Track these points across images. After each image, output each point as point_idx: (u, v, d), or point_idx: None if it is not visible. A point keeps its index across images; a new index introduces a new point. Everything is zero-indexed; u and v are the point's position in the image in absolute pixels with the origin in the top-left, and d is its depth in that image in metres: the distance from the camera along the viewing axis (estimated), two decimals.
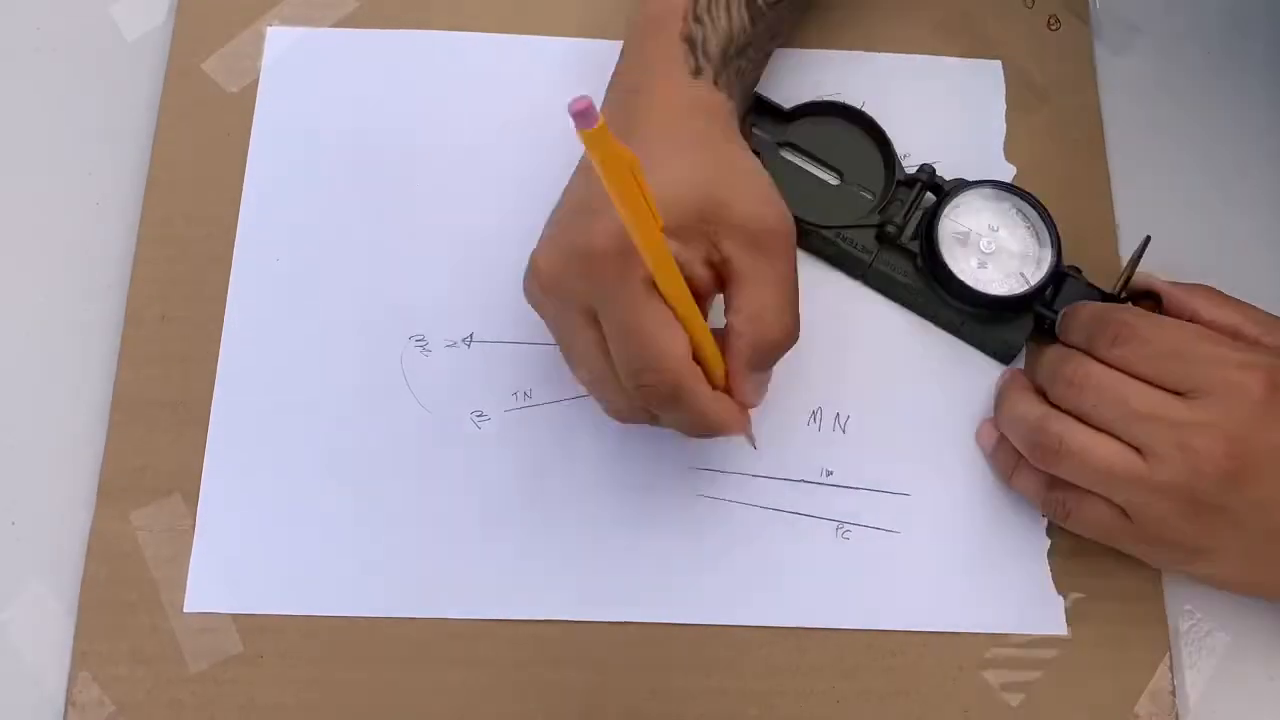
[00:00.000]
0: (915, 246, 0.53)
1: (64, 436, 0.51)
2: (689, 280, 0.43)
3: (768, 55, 0.54)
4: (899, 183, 0.53)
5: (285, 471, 0.50)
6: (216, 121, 0.55)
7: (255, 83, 0.56)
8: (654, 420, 0.45)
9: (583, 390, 0.49)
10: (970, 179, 0.53)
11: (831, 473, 0.51)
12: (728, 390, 0.46)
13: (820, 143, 0.54)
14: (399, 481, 0.50)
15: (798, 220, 0.51)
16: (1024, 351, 0.53)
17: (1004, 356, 0.53)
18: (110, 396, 0.51)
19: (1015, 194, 0.53)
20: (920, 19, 0.59)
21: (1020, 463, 0.49)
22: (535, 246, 0.46)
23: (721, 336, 0.45)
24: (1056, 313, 0.51)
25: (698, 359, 0.44)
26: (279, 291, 0.53)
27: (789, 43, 0.57)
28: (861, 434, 0.52)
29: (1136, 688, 0.49)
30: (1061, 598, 0.50)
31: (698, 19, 0.49)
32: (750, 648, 0.49)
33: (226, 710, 0.47)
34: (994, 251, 0.52)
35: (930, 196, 0.53)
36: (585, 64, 0.56)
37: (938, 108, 0.57)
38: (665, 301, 0.42)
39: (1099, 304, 0.50)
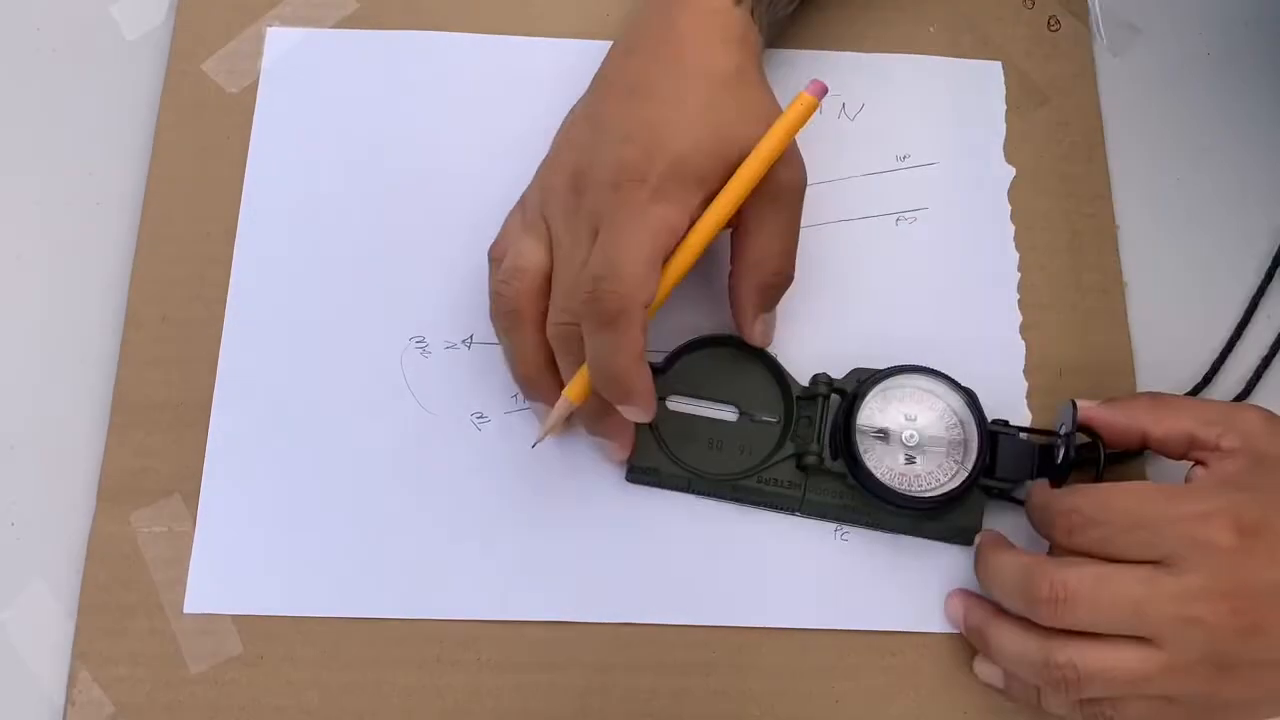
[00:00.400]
0: (840, 466, 0.49)
1: (64, 437, 0.51)
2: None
3: None
4: (799, 399, 0.50)
5: (285, 473, 0.50)
6: (216, 122, 0.55)
7: (255, 83, 0.56)
8: (547, 389, 0.47)
9: None
10: (867, 366, 0.50)
11: None
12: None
13: (705, 381, 0.51)
14: (399, 483, 0.50)
15: (705, 476, 0.50)
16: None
17: (965, 541, 0.50)
18: (110, 397, 0.51)
19: (919, 374, 0.50)
20: (920, 20, 0.59)
21: (1041, 690, 0.46)
22: (569, 146, 0.49)
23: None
24: (1000, 480, 0.49)
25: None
26: (279, 292, 0.53)
27: (794, 43, 0.57)
28: None
29: None
30: None
31: None
32: (750, 648, 0.49)
33: (226, 711, 0.47)
34: (918, 443, 0.49)
35: (836, 399, 0.50)
36: (586, 65, 0.56)
37: (938, 108, 0.57)
38: (678, 239, 0.45)
39: (1040, 492, 0.47)
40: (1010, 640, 0.46)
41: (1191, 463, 0.46)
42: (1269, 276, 0.55)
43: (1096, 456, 0.48)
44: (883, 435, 0.50)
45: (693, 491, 0.50)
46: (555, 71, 0.56)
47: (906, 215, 0.55)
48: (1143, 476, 0.51)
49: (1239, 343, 0.54)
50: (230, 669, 0.47)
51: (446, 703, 0.48)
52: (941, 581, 0.50)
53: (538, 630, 0.48)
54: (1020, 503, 0.49)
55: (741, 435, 0.51)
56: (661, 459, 0.50)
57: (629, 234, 0.44)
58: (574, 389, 0.46)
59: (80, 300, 0.53)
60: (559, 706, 0.48)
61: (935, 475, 0.49)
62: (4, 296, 0.53)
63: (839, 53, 0.58)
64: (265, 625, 0.48)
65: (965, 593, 0.49)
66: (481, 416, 0.51)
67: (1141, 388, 0.53)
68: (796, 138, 0.47)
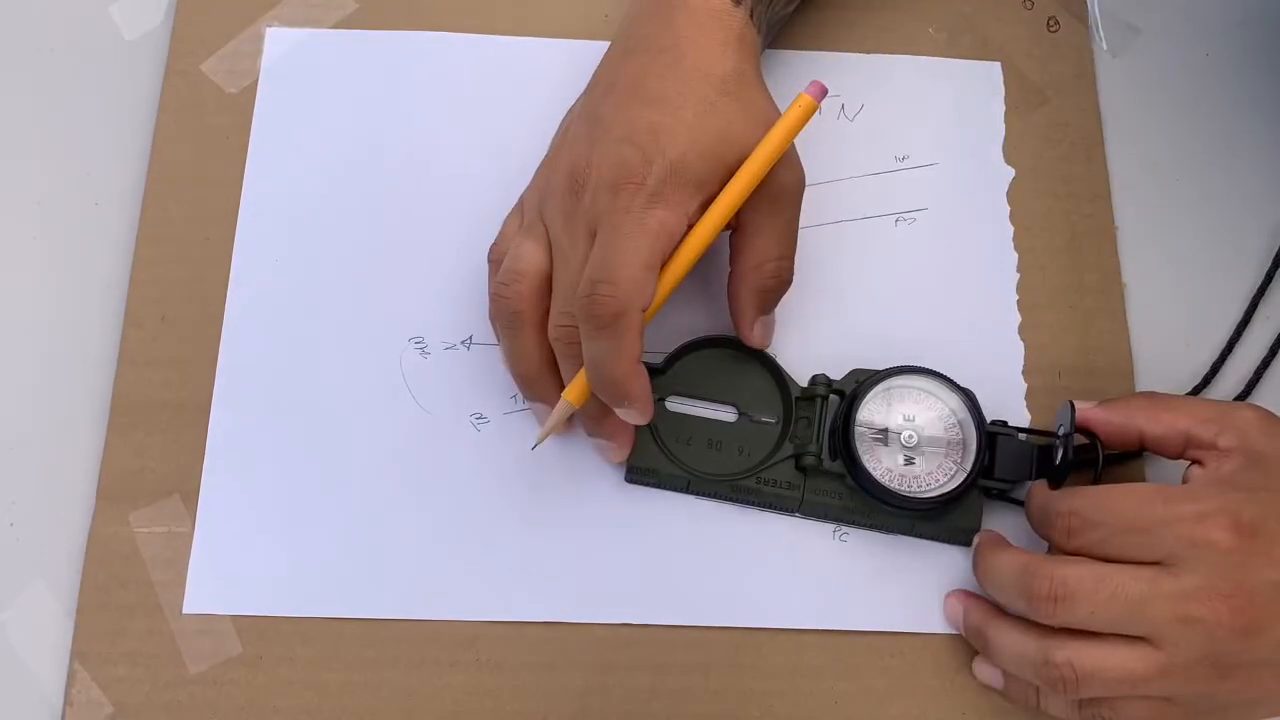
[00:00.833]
0: (838, 467, 0.49)
1: (64, 437, 0.51)
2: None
3: None
4: (797, 400, 0.51)
5: (284, 473, 0.50)
6: (216, 122, 0.55)
7: (254, 84, 0.56)
8: (545, 392, 0.48)
9: None
10: (866, 367, 0.51)
11: None
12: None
13: (705, 382, 0.51)
14: (398, 483, 0.50)
15: (704, 477, 0.50)
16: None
17: (964, 542, 0.50)
18: (110, 397, 0.51)
19: (918, 374, 0.50)
20: (920, 20, 0.59)
21: (1040, 690, 0.47)
22: (570, 147, 0.48)
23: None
24: (999, 480, 0.49)
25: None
26: (278, 293, 0.53)
27: (794, 44, 0.57)
28: None
29: None
30: None
31: None
32: (749, 649, 0.49)
33: (225, 711, 0.47)
34: (916, 444, 0.49)
35: (835, 399, 0.50)
36: (584, 65, 0.56)
37: (937, 109, 0.57)
38: (675, 243, 0.45)
39: (1039, 494, 0.47)
40: (1009, 640, 0.46)
41: (1189, 462, 0.46)
42: (1269, 277, 0.55)
43: (1095, 457, 0.48)
44: (881, 436, 0.50)
45: (692, 492, 0.50)
46: (554, 72, 0.56)
47: (906, 216, 0.55)
48: (1141, 477, 0.51)
49: (1239, 343, 0.54)
50: (229, 669, 0.47)
51: (445, 703, 0.48)
52: (941, 582, 0.50)
53: (537, 630, 0.48)
54: (1019, 503, 0.49)
55: (740, 436, 0.51)
56: (660, 459, 0.50)
57: (626, 238, 0.44)
58: (573, 391, 0.46)
59: (80, 300, 0.53)
60: (558, 707, 0.48)
61: (934, 476, 0.49)
62: (4, 296, 0.53)
63: (838, 53, 0.58)
64: (264, 625, 0.48)
65: (964, 593, 0.49)
66: (480, 417, 0.51)
67: (1141, 388, 0.53)
68: (796, 139, 0.46)
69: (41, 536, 0.49)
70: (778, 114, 0.47)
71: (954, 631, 0.49)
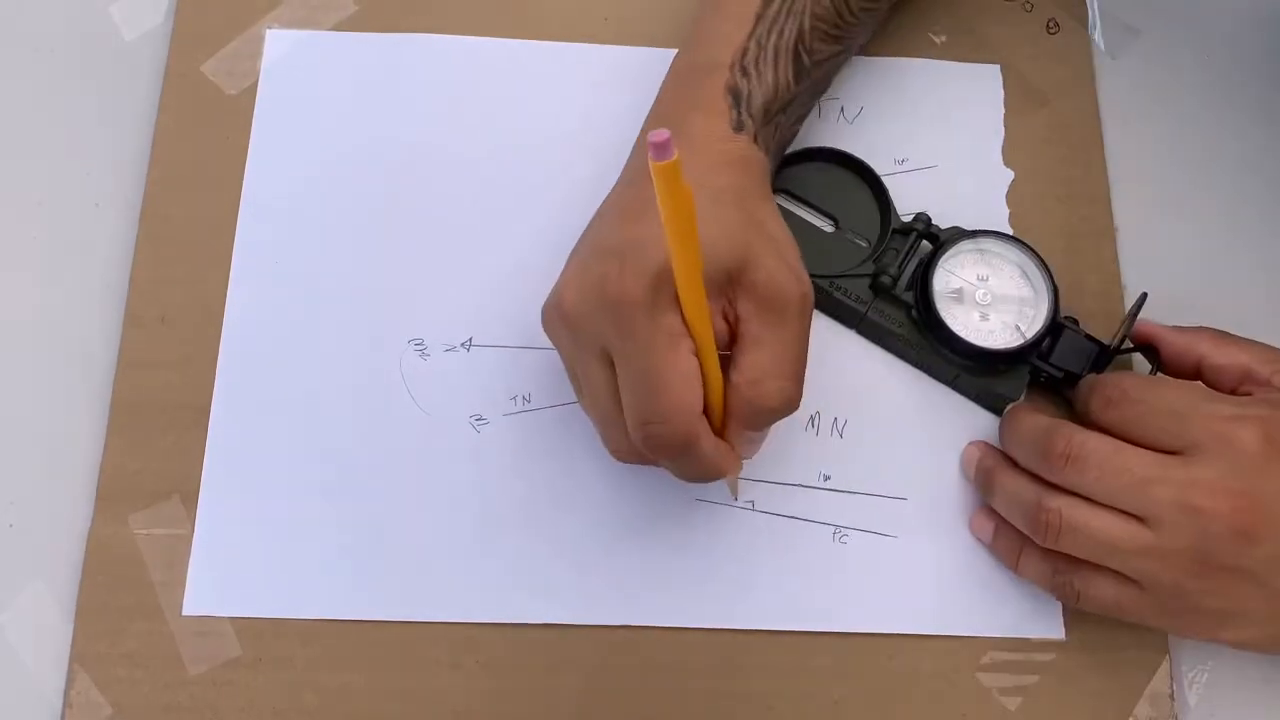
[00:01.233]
0: (910, 297, 0.52)
1: (63, 438, 0.51)
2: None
3: (806, 114, 0.53)
4: (894, 231, 0.53)
5: (284, 475, 0.50)
6: (216, 123, 0.55)
7: (254, 85, 0.56)
8: (651, 461, 0.45)
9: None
10: (968, 227, 0.52)
11: (829, 477, 0.51)
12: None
13: (816, 189, 0.54)
14: (397, 485, 0.50)
15: None
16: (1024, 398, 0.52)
17: (999, 410, 0.52)
18: (110, 398, 0.51)
19: (1012, 244, 0.52)
20: (919, 23, 0.59)
21: (1025, 548, 0.48)
22: (561, 277, 0.46)
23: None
24: (1054, 366, 0.51)
25: (706, 407, 0.43)
26: (278, 294, 0.53)
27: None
28: (859, 438, 0.52)
29: (1135, 691, 0.49)
30: (1058, 601, 0.50)
31: (744, 72, 0.48)
32: (749, 651, 0.49)
33: (225, 713, 0.47)
34: (989, 303, 0.51)
35: (926, 245, 0.53)
36: (583, 68, 0.56)
37: (937, 111, 0.57)
38: (693, 344, 0.42)
39: (1095, 376, 0.49)
40: (1012, 483, 0.48)
41: None
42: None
43: (1154, 369, 0.51)
44: (958, 288, 0.52)
45: None
46: (553, 74, 0.56)
47: (905, 218, 0.55)
48: None
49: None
50: (229, 671, 0.47)
51: (444, 705, 0.48)
52: (941, 584, 0.50)
53: (536, 632, 0.48)
54: (1061, 397, 0.52)
55: (831, 245, 0.53)
56: None
57: (650, 364, 0.42)
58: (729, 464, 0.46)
59: (80, 300, 0.53)
60: (558, 708, 0.48)
61: (997, 335, 0.51)
62: (4, 296, 0.53)
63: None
64: (263, 627, 0.48)
65: (984, 443, 0.51)
66: (480, 419, 0.51)
67: None
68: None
69: (41, 537, 0.49)
70: (779, 224, 0.46)
71: (952, 634, 0.49)
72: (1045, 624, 0.50)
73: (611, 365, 0.43)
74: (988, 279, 0.52)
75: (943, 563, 0.50)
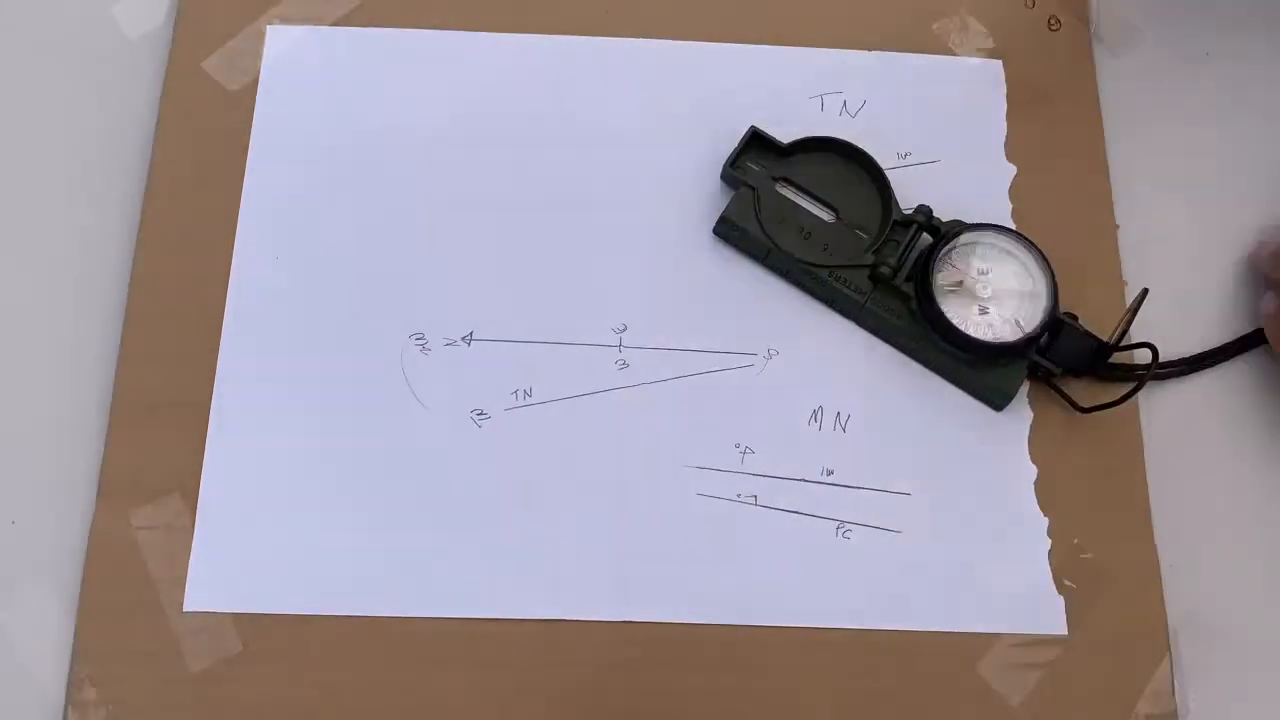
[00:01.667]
0: (909, 289, 0.52)
1: (64, 436, 0.51)
2: None
3: None
4: (895, 223, 0.53)
5: (285, 471, 0.50)
6: (217, 120, 0.55)
7: (255, 81, 0.56)
8: None
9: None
10: (969, 220, 0.53)
11: (832, 472, 0.51)
12: None
13: (817, 179, 0.54)
14: (399, 480, 0.50)
15: (791, 258, 0.52)
16: (1025, 393, 0.53)
17: (997, 405, 0.52)
18: (110, 396, 0.51)
19: (1013, 238, 0.52)
20: (921, 18, 0.59)
21: None
22: None
23: None
24: (1053, 362, 0.51)
25: None
26: (279, 291, 0.53)
27: (796, 40, 0.57)
28: (862, 433, 0.52)
29: (1136, 688, 0.49)
30: (1061, 598, 0.50)
31: None
32: (751, 647, 0.49)
33: (226, 709, 0.47)
34: (990, 297, 0.52)
35: (927, 238, 0.53)
36: (584, 62, 0.56)
37: (938, 108, 0.57)
38: None
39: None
40: None
41: None
42: None
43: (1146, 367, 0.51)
44: (958, 281, 0.52)
45: (768, 264, 0.53)
46: (555, 68, 0.56)
47: (907, 211, 0.55)
48: (1182, 397, 0.53)
49: (1238, 343, 0.54)
50: (230, 667, 0.47)
51: (445, 701, 0.47)
52: (944, 580, 0.50)
53: (537, 628, 0.48)
54: (1059, 391, 0.51)
55: (831, 235, 0.53)
56: (752, 224, 0.53)
57: None
58: None
59: (80, 299, 0.53)
60: (559, 706, 0.48)
61: (996, 329, 0.51)
62: (4, 295, 0.53)
63: (841, 50, 0.58)
64: (265, 623, 0.48)
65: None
66: (481, 413, 0.51)
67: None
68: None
69: (42, 534, 0.49)
70: None
71: (954, 630, 0.49)
72: (1048, 621, 0.49)
73: None
74: (988, 272, 0.52)
75: (946, 558, 0.50)
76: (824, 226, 0.53)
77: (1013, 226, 0.54)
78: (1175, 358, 0.53)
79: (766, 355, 0.53)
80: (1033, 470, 0.51)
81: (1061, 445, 0.52)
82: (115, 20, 0.57)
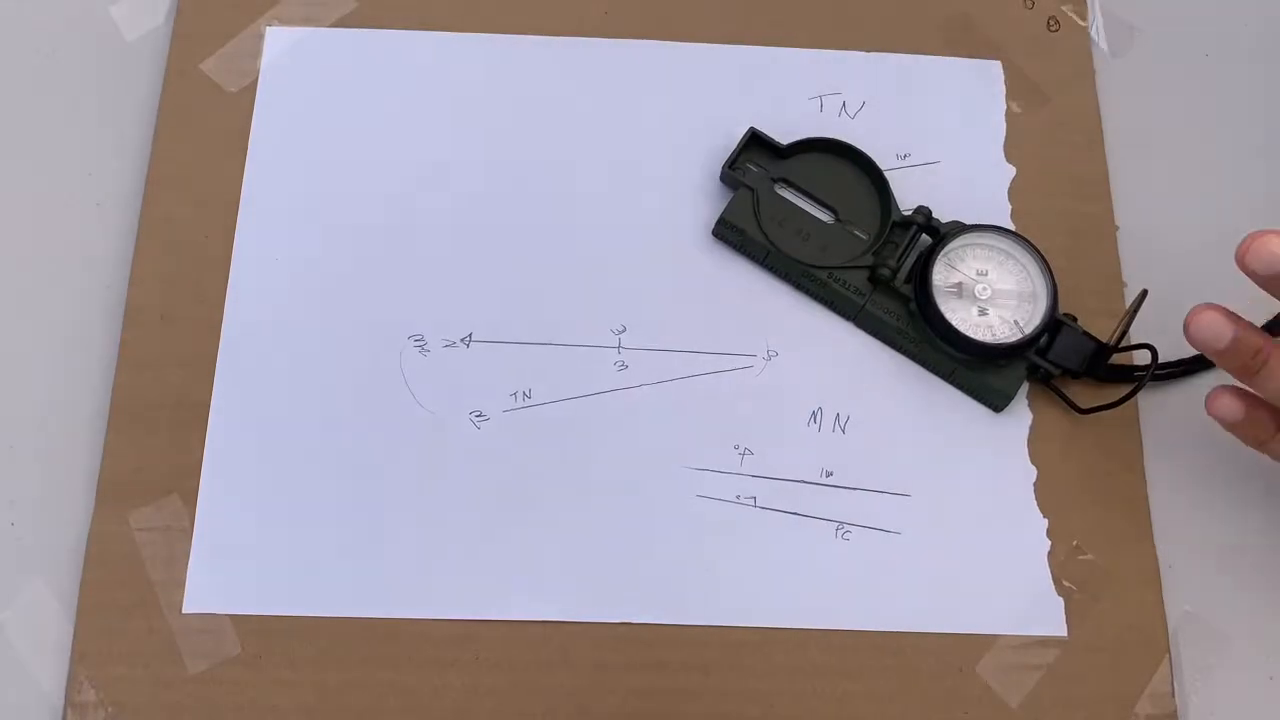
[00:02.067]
0: (908, 290, 0.52)
1: (63, 437, 0.51)
2: None
3: None
4: (894, 224, 0.53)
5: (284, 472, 0.50)
6: (216, 121, 0.55)
7: (255, 83, 0.56)
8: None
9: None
10: (968, 221, 0.53)
11: (831, 473, 0.51)
12: None
13: (816, 180, 0.54)
14: (398, 482, 0.50)
15: (790, 259, 0.52)
16: (1025, 394, 0.53)
17: (996, 406, 0.52)
18: (109, 397, 0.51)
19: (1013, 239, 0.52)
20: (920, 20, 0.59)
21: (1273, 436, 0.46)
22: None
23: None
24: (1052, 363, 0.51)
25: None
26: (278, 291, 0.53)
27: (796, 41, 0.57)
28: (861, 434, 0.52)
29: (1136, 689, 0.49)
30: (1061, 598, 0.50)
31: None
32: (750, 648, 0.49)
33: (224, 711, 0.47)
34: (989, 298, 0.51)
35: (926, 239, 0.53)
36: (584, 63, 0.56)
37: (938, 108, 0.57)
38: None
39: None
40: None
41: None
42: None
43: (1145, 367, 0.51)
44: (957, 283, 0.52)
45: (767, 265, 0.53)
46: (553, 69, 0.56)
47: (906, 212, 0.55)
48: (1182, 398, 0.53)
49: None
50: (228, 669, 0.47)
51: (445, 702, 0.47)
52: (944, 581, 0.50)
53: (536, 629, 0.48)
54: (1059, 393, 0.52)
55: (830, 236, 0.53)
56: (751, 225, 0.53)
57: None
58: None
59: (79, 300, 0.53)
60: (557, 706, 0.48)
61: (996, 330, 0.51)
62: (4, 296, 0.53)
63: (840, 51, 0.58)
64: (263, 625, 0.48)
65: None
66: (480, 415, 0.51)
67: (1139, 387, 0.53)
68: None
69: (41, 536, 0.49)
70: None
71: (954, 631, 0.49)
72: (1048, 622, 0.49)
73: None
74: (987, 274, 0.52)
75: (946, 560, 0.50)
76: (823, 228, 0.53)
77: (1012, 227, 0.54)
78: (1175, 358, 0.53)
79: (766, 356, 0.53)
80: (1032, 471, 0.51)
81: (1061, 446, 0.52)
82: (114, 21, 0.58)
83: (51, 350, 0.52)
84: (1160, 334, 0.52)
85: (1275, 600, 0.51)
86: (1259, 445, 0.48)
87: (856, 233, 0.53)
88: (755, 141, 0.54)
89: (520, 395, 0.51)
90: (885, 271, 0.52)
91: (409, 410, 0.51)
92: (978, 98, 0.57)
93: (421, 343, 0.52)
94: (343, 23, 0.57)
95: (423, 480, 0.50)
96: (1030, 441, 0.52)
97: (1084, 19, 0.60)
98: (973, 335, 0.51)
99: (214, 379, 0.51)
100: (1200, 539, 0.51)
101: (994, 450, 0.52)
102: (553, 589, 0.49)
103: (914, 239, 0.52)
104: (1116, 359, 0.52)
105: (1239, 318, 0.45)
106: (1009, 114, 0.57)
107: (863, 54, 0.58)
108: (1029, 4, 0.60)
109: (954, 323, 0.51)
